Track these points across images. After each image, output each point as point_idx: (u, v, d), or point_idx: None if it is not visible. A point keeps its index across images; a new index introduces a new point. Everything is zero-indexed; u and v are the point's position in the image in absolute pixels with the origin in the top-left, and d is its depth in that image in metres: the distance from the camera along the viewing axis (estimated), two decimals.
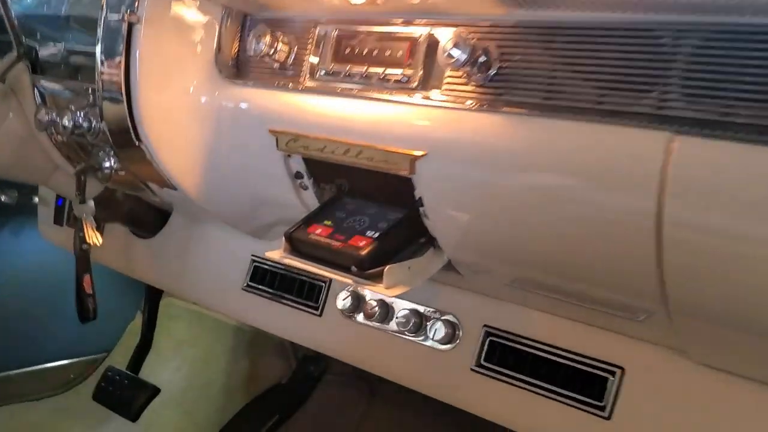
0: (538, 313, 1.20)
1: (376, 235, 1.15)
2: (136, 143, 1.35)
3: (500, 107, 0.97)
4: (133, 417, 1.89)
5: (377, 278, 1.12)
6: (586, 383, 1.13)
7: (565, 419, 1.13)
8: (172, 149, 1.37)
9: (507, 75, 0.98)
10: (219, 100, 1.32)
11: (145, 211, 1.79)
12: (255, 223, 1.51)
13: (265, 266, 1.59)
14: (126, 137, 1.37)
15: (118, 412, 1.93)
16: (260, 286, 1.59)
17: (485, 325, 1.25)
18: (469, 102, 1.00)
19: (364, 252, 1.12)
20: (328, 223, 1.22)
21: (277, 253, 1.23)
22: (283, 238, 1.21)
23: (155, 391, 1.93)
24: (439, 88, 1.05)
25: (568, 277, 1.04)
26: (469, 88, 1.01)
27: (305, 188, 1.30)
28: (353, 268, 1.12)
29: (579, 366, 1.14)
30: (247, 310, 1.61)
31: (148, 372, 2.19)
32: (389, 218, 1.19)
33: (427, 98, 1.05)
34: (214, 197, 1.43)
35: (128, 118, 1.35)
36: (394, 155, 1.07)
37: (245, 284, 1.62)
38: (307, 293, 1.50)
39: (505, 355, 1.22)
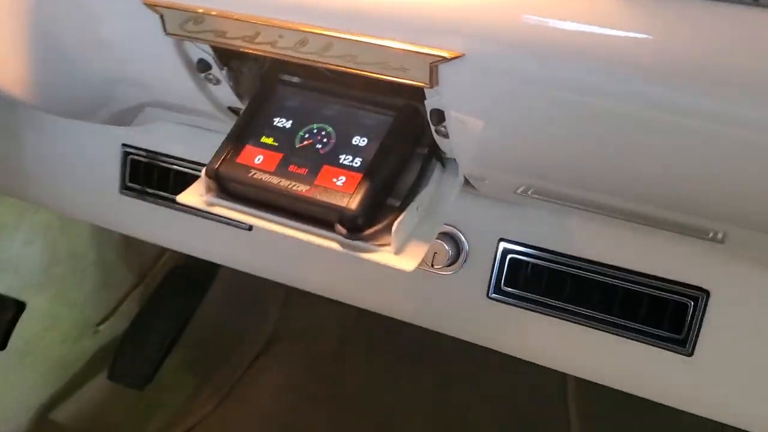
0: (577, 220, 0.87)
1: (359, 163, 0.74)
2: None
3: None
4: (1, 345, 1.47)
5: (379, 239, 0.73)
6: (654, 311, 0.86)
7: (628, 358, 0.87)
8: None
9: None
10: None
11: None
12: (111, 111, 1.01)
13: (145, 158, 1.12)
14: None
15: None
16: (148, 189, 1.13)
17: (502, 239, 0.91)
18: None
19: (354, 203, 0.72)
20: (270, 141, 0.78)
21: (195, 198, 0.79)
22: (203, 174, 0.77)
23: (20, 307, 1.49)
24: None
25: (638, 198, 0.71)
26: None
27: (215, 82, 0.82)
28: (338, 227, 0.72)
29: (643, 289, 0.86)
30: (135, 222, 1.16)
31: None
32: (368, 125, 0.77)
33: None
34: (49, 92, 0.92)
35: None
36: (400, 56, 0.63)
37: (122, 186, 1.15)
38: None
39: (533, 279, 0.91)
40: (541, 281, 0.90)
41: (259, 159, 0.77)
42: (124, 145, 1.13)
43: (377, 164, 0.73)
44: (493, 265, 0.92)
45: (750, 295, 0.81)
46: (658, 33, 0.53)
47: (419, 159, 0.78)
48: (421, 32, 0.61)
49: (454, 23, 0.59)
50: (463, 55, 0.60)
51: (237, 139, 0.78)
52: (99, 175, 1.15)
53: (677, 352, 0.84)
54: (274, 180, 0.75)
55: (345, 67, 0.66)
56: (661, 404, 0.88)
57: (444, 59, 0.61)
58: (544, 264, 0.90)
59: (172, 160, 1.10)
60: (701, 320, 0.83)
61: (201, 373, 1.53)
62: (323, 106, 0.79)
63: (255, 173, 0.75)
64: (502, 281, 0.92)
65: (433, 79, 0.63)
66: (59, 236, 1.98)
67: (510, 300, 0.92)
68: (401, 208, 0.74)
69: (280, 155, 0.77)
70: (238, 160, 0.77)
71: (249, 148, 0.78)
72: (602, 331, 0.87)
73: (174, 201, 1.10)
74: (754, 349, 0.82)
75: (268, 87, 0.82)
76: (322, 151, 0.76)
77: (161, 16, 0.72)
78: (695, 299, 0.83)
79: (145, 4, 0.71)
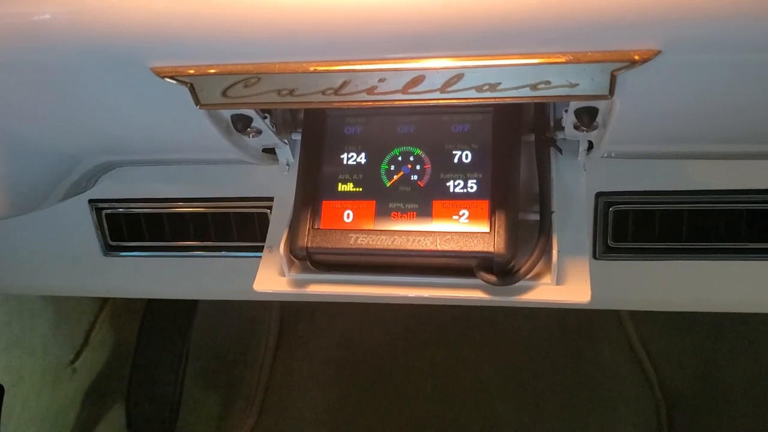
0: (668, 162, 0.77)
1: (476, 186, 0.60)
2: None
3: None
4: None
5: (530, 271, 0.60)
6: None
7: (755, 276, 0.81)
8: None
9: None
10: None
11: None
12: (70, 183, 0.81)
13: (124, 209, 0.91)
14: None
15: None
16: (139, 243, 0.92)
17: (600, 193, 0.80)
18: None
19: (500, 244, 0.58)
20: (350, 187, 0.62)
21: (276, 281, 0.63)
22: (281, 251, 0.61)
23: None
24: None
25: None
26: None
27: (255, 134, 0.63)
28: (484, 275, 0.59)
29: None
30: (138, 282, 0.96)
31: None
32: (463, 133, 0.62)
33: None
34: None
35: None
36: (567, 70, 0.47)
37: (105, 246, 0.94)
38: (241, 231, 0.89)
39: (643, 226, 0.81)
40: (653, 226, 0.80)
41: (348, 215, 0.60)
42: (91, 200, 0.90)
43: (500, 182, 0.59)
44: (595, 222, 0.80)
45: None
46: None
47: (528, 149, 0.64)
48: (602, 36, 0.45)
49: (649, 17, 0.43)
50: (660, 52, 0.45)
51: (309, 198, 0.61)
52: (71, 243, 0.94)
53: None
54: (384, 240, 0.59)
55: (475, 99, 0.50)
56: None
57: (634, 63, 0.45)
58: (653, 207, 0.79)
59: (155, 204, 0.89)
60: None
61: (225, 388, 1.39)
62: (395, 123, 0.63)
63: (356, 237, 0.59)
64: (609, 238, 0.81)
65: (613, 88, 0.48)
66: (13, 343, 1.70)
67: (622, 255, 0.81)
68: (545, 225, 0.61)
69: (371, 203, 0.61)
70: (324, 225, 0.61)
71: (329, 205, 0.61)
72: (735, 260, 0.79)
73: (168, 249, 0.91)
74: None
75: (315, 117, 0.64)
76: (422, 183, 0.61)
77: (190, 87, 0.51)
78: None
79: (162, 75, 0.51)
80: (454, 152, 0.61)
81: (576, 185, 0.66)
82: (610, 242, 0.81)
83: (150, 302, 1.40)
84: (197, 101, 0.52)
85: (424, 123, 0.62)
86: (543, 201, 0.62)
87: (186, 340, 1.37)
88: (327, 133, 0.63)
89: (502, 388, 1.43)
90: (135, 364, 1.37)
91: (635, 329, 1.39)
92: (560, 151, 0.66)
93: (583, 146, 0.64)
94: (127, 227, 0.91)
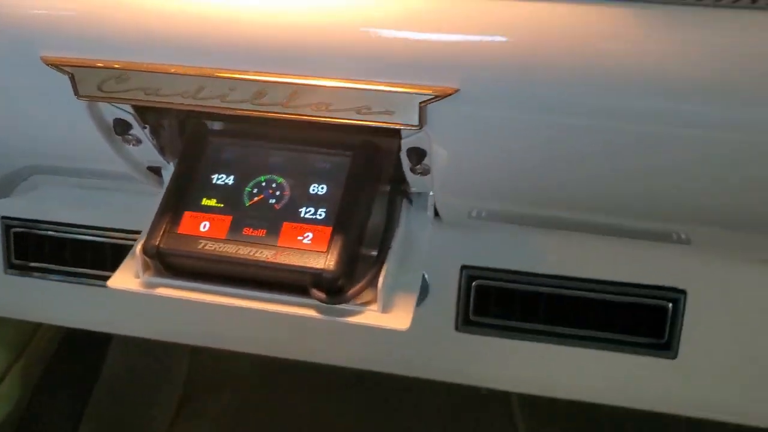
0: (541, 237, 0.83)
1: (324, 215, 0.66)
2: None
3: None
4: None
5: (360, 297, 0.65)
6: (633, 319, 0.83)
7: (613, 371, 0.85)
8: None
9: None
10: None
11: None
12: None
13: (32, 230, 0.96)
14: None
15: None
16: (39, 265, 0.97)
17: (465, 266, 0.86)
18: None
19: (331, 262, 0.63)
20: (213, 203, 0.68)
21: (129, 280, 0.68)
22: (137, 251, 0.66)
23: None
24: None
25: (611, 211, 0.69)
26: None
27: (135, 143, 0.70)
28: (315, 293, 0.64)
29: (620, 298, 0.83)
30: (26, 303, 0.99)
31: None
32: (323, 170, 0.69)
33: None
34: None
35: None
36: (385, 98, 0.55)
37: (8, 263, 0.98)
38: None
39: (503, 304, 0.86)
40: (513, 305, 0.85)
41: (205, 226, 0.66)
42: (3, 218, 0.96)
43: (346, 213, 0.65)
44: (459, 295, 0.86)
45: (725, 289, 0.80)
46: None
47: (384, 197, 0.71)
48: (409, 70, 0.53)
49: (448, 58, 0.52)
50: (458, 90, 0.53)
51: (173, 207, 0.67)
52: None
53: (662, 357, 0.82)
54: (230, 248, 0.64)
55: (314, 116, 0.57)
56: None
57: (437, 97, 0.53)
58: (514, 286, 0.85)
59: (63, 228, 0.95)
60: (682, 320, 0.81)
61: None
62: (266, 155, 0.70)
63: (205, 243, 0.65)
64: (471, 311, 0.86)
65: (423, 119, 0.55)
66: None
67: (481, 330, 0.86)
68: (380, 257, 0.67)
69: (228, 218, 0.66)
70: (180, 230, 0.66)
71: (190, 215, 0.67)
72: (583, 347, 0.84)
73: (73, 275, 0.95)
74: (734, 342, 0.81)
75: (197, 140, 0.71)
76: (277, 207, 0.67)
77: (71, 77, 0.59)
78: (674, 300, 0.81)
79: (48, 63, 0.58)
80: (312, 185, 0.67)
81: (420, 236, 0.72)
82: (471, 316, 0.86)
83: (61, 344, 1.41)
84: (76, 92, 0.60)
85: (293, 157, 0.69)
86: (384, 237, 0.68)
87: (87, 389, 1.36)
88: (205, 154, 0.70)
89: None
90: (29, 409, 1.36)
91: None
92: (411, 201, 0.72)
93: (431, 201, 0.71)
94: (33, 248, 0.96)
